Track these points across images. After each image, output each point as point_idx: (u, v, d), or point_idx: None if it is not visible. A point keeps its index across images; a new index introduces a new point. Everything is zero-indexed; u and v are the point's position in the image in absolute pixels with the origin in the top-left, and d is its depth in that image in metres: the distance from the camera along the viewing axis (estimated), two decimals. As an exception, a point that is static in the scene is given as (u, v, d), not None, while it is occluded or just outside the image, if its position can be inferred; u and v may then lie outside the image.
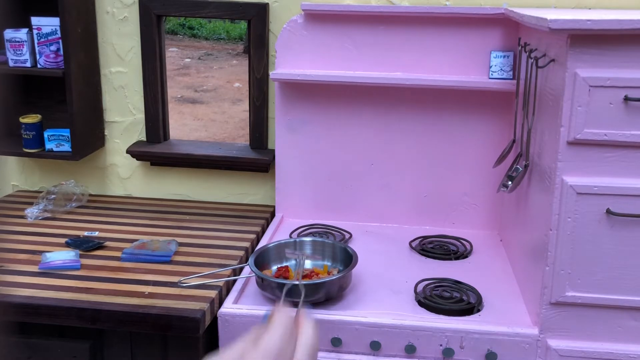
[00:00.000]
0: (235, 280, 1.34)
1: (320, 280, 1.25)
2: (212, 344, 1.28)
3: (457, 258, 1.51)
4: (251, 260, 1.30)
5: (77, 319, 1.24)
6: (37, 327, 1.29)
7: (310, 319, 0.65)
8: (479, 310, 1.25)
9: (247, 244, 1.55)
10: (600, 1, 1.57)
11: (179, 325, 1.21)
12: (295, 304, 0.69)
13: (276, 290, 1.24)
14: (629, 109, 1.05)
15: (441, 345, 1.19)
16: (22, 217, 1.70)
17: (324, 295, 1.24)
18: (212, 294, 1.28)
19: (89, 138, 1.81)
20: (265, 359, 0.59)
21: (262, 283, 1.27)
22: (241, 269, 1.40)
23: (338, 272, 1.31)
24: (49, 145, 1.78)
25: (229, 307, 1.24)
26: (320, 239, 1.44)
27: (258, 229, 1.65)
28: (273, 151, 1.78)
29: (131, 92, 1.84)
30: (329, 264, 1.37)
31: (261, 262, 1.34)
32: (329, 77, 1.59)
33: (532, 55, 1.25)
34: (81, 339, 1.30)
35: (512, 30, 1.53)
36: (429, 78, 1.56)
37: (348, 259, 1.32)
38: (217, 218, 1.73)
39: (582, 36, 1.04)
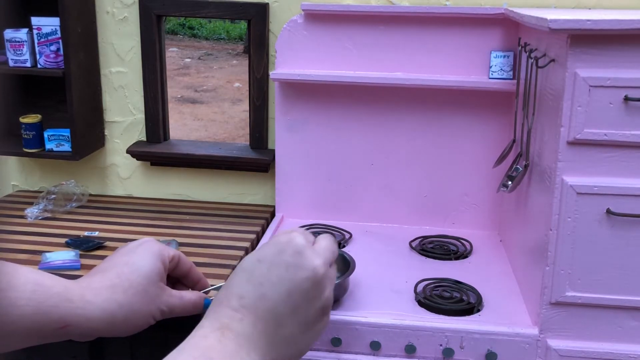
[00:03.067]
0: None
1: None
2: (212, 344, 1.28)
3: (457, 258, 1.51)
4: None
5: (77, 319, 1.24)
6: (37, 327, 1.29)
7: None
8: (479, 310, 1.25)
9: (247, 244, 1.55)
10: (600, 1, 1.57)
11: (179, 325, 1.21)
12: None
13: None
14: (629, 109, 1.05)
15: (441, 345, 1.19)
16: (22, 217, 1.70)
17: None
18: (212, 294, 1.28)
19: (89, 138, 1.81)
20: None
21: None
22: None
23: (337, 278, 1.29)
24: (49, 145, 1.78)
25: (229, 307, 1.24)
26: None
27: (258, 229, 1.65)
28: (273, 151, 1.78)
29: (131, 92, 1.84)
30: None
31: None
32: (329, 77, 1.59)
33: (532, 55, 1.25)
34: (81, 339, 1.30)
35: (512, 30, 1.53)
36: (429, 78, 1.56)
37: (345, 266, 1.29)
38: (217, 218, 1.73)
39: (582, 36, 1.04)
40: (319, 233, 1.63)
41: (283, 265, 0.62)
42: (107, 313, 0.72)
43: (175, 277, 0.87)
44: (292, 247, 0.63)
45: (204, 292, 0.93)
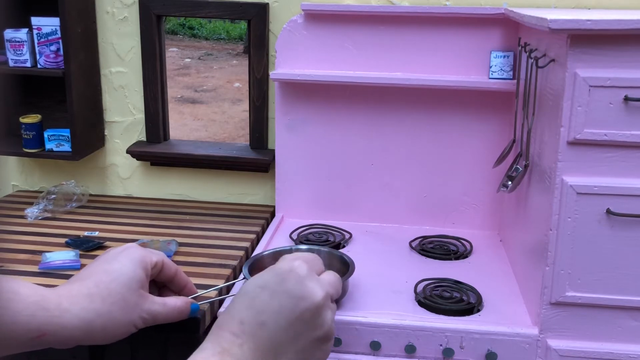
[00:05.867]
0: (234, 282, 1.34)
1: None
2: (212, 344, 1.28)
3: (457, 258, 1.51)
4: (245, 269, 1.27)
5: (77, 319, 1.24)
6: (37, 327, 1.29)
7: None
8: (479, 310, 1.25)
9: (247, 244, 1.55)
10: (600, 1, 1.57)
11: (179, 325, 1.21)
12: None
13: None
14: (629, 109, 1.05)
15: (441, 345, 1.19)
16: (22, 217, 1.70)
17: None
18: (212, 294, 1.28)
19: (89, 138, 1.81)
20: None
21: None
22: (228, 288, 1.35)
23: None
24: (49, 145, 1.78)
25: (229, 307, 1.24)
26: (316, 247, 1.40)
27: (258, 229, 1.65)
28: (273, 151, 1.78)
29: (131, 92, 1.84)
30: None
31: (254, 270, 1.30)
32: (329, 77, 1.59)
33: (532, 55, 1.25)
34: (81, 339, 1.30)
35: (512, 30, 1.53)
36: (429, 78, 1.56)
37: (345, 267, 1.29)
38: (217, 218, 1.73)
39: (582, 36, 1.04)
40: (319, 233, 1.63)
41: (285, 294, 0.61)
42: (84, 321, 0.71)
43: (162, 282, 0.86)
44: (294, 276, 0.63)
45: (191, 298, 0.92)
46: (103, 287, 0.73)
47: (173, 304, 0.82)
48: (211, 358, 0.58)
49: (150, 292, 0.81)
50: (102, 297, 0.72)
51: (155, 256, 0.81)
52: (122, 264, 0.76)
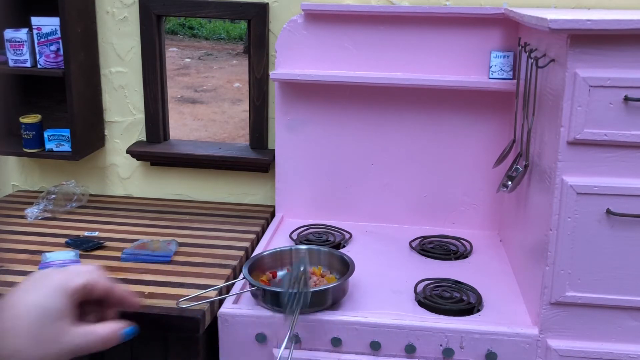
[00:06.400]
0: (234, 281, 1.34)
1: (325, 287, 1.23)
2: (212, 344, 1.28)
3: (457, 258, 1.51)
4: (245, 269, 1.27)
5: (77, 319, 1.24)
6: (37, 327, 1.29)
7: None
8: (479, 310, 1.25)
9: (247, 244, 1.55)
10: (600, 1, 1.57)
11: (179, 325, 1.21)
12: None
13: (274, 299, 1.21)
14: (629, 109, 1.05)
15: (441, 345, 1.19)
16: (22, 217, 1.70)
17: (330, 300, 1.23)
18: (212, 293, 1.28)
19: (89, 138, 1.81)
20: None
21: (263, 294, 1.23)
22: (228, 288, 1.35)
23: (336, 280, 1.29)
24: (49, 145, 1.78)
25: (228, 307, 1.24)
26: (316, 247, 1.41)
27: (258, 229, 1.65)
28: (273, 151, 1.78)
29: (131, 92, 1.84)
30: (322, 267, 1.36)
31: (255, 270, 1.31)
32: (329, 77, 1.59)
33: (532, 55, 1.25)
34: (81, 339, 1.30)
35: (512, 30, 1.53)
36: (429, 78, 1.56)
37: (345, 267, 1.29)
38: (217, 218, 1.73)
39: (582, 36, 1.04)
40: (319, 233, 1.63)
41: None
42: None
43: (98, 300, 0.81)
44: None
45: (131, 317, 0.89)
46: (16, 323, 0.68)
47: (98, 333, 0.76)
48: None
49: (88, 310, 0.77)
50: (15, 333, 0.68)
51: (81, 277, 0.76)
52: (38, 294, 0.71)
